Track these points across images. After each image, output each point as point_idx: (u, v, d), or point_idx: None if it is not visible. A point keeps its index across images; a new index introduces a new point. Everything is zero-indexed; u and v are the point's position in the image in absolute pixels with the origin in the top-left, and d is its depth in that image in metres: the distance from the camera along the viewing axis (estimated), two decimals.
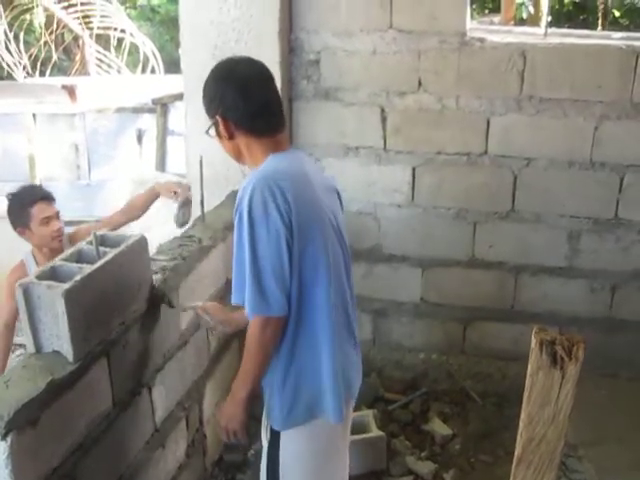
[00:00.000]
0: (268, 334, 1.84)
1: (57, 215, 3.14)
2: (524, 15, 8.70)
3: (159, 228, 3.48)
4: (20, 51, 10.20)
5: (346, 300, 2.02)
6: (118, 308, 1.96)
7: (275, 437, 1.99)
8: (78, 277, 1.75)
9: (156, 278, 2.21)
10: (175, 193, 3.29)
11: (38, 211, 3.06)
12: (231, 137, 1.93)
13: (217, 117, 1.91)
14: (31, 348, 1.76)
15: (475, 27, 3.75)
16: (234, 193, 3.21)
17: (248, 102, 1.88)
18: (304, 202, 1.82)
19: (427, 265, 3.55)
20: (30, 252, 3.19)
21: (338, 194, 2.12)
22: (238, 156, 1.99)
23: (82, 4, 9.93)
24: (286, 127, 2.06)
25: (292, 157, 1.96)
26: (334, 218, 1.97)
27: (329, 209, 1.96)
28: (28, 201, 3.07)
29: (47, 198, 3.13)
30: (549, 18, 5.59)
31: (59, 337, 1.72)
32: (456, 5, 3.19)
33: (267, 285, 1.78)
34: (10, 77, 10.05)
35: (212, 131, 1.96)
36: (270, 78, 1.97)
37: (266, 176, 1.80)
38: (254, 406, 1.97)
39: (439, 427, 3.23)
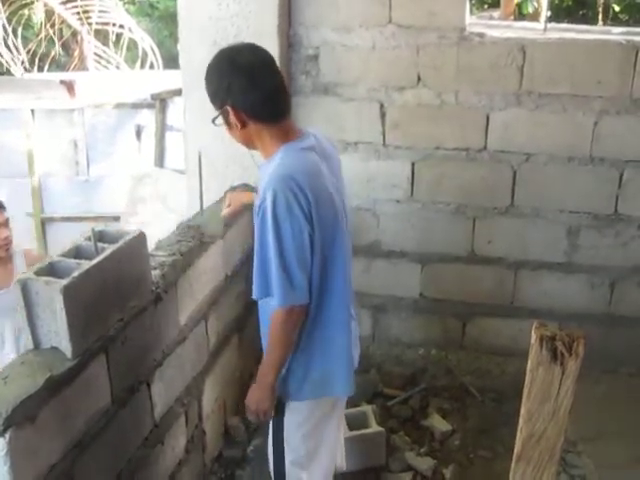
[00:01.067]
0: (293, 322, 1.94)
1: (6, 223, 3.06)
2: (530, 9, 8.65)
3: (158, 223, 3.47)
4: (18, 47, 10.17)
5: (350, 278, 2.13)
6: (117, 304, 1.96)
7: (280, 407, 2.09)
8: (76, 273, 1.75)
9: (155, 274, 2.21)
10: None
11: None
12: (243, 126, 1.94)
13: (227, 107, 1.91)
14: (29, 344, 1.76)
15: (474, 22, 3.74)
16: (233, 188, 3.20)
17: (257, 89, 1.89)
18: (321, 195, 1.90)
19: (426, 261, 3.55)
20: None
21: (338, 157, 2.18)
22: (249, 144, 2.03)
23: None
24: (291, 110, 2.08)
25: (304, 148, 1.96)
26: (342, 203, 2.05)
27: (338, 195, 2.03)
28: None
29: None
30: (549, 13, 5.58)
31: (57, 333, 1.72)
32: (455, 0, 3.18)
33: (295, 277, 1.88)
34: (8, 73, 10.02)
35: (218, 120, 1.97)
36: (273, 63, 1.98)
37: (285, 176, 1.85)
38: None
39: (438, 423, 3.23)
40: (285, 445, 2.15)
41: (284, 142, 1.95)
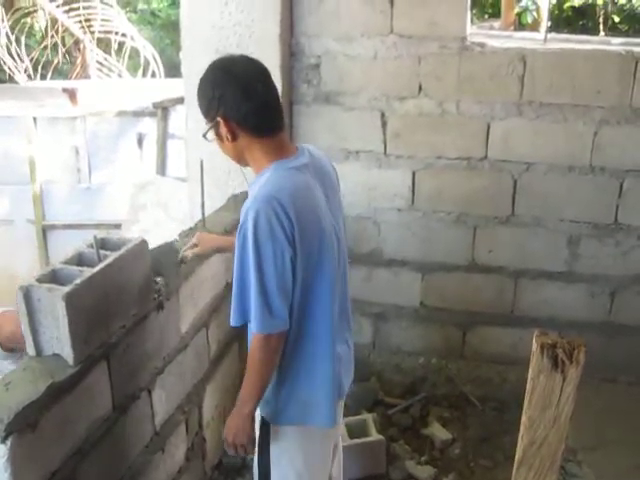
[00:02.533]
0: (272, 349, 1.85)
1: None
2: (529, 20, 8.71)
3: (159, 231, 3.48)
4: (21, 55, 10.21)
5: (343, 301, 2.05)
6: (118, 311, 1.96)
7: (265, 429, 2.01)
8: (79, 280, 1.76)
9: (157, 280, 2.22)
10: None
11: None
12: (234, 138, 1.86)
13: (218, 118, 1.84)
14: (31, 351, 1.76)
15: (475, 32, 3.76)
16: (234, 197, 3.22)
17: (250, 101, 1.83)
18: (306, 219, 1.81)
19: (427, 269, 3.55)
20: None
21: (335, 173, 2.10)
22: (239, 158, 1.95)
23: (83, 8, 9.95)
24: (286, 126, 2.02)
25: (295, 167, 1.88)
26: (335, 224, 1.96)
27: (331, 216, 1.94)
28: None
29: None
30: (549, 23, 5.61)
31: (59, 340, 1.72)
32: (456, 10, 3.20)
33: (274, 304, 1.79)
34: (12, 80, 10.06)
35: (210, 135, 1.90)
36: (268, 75, 1.91)
37: (268, 197, 1.76)
38: None
39: (439, 431, 3.23)
40: (272, 467, 2.04)
41: (275, 159, 1.87)
